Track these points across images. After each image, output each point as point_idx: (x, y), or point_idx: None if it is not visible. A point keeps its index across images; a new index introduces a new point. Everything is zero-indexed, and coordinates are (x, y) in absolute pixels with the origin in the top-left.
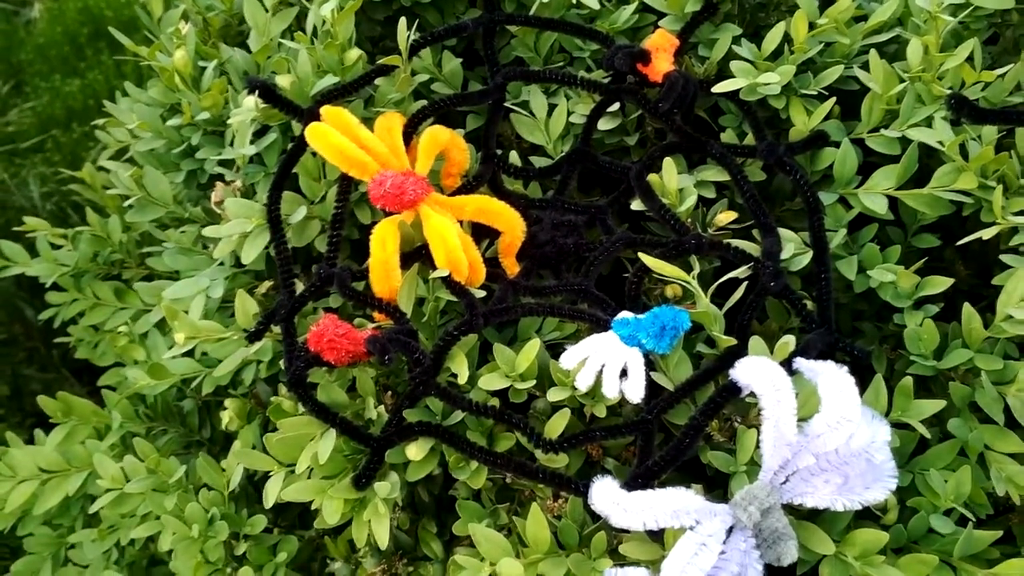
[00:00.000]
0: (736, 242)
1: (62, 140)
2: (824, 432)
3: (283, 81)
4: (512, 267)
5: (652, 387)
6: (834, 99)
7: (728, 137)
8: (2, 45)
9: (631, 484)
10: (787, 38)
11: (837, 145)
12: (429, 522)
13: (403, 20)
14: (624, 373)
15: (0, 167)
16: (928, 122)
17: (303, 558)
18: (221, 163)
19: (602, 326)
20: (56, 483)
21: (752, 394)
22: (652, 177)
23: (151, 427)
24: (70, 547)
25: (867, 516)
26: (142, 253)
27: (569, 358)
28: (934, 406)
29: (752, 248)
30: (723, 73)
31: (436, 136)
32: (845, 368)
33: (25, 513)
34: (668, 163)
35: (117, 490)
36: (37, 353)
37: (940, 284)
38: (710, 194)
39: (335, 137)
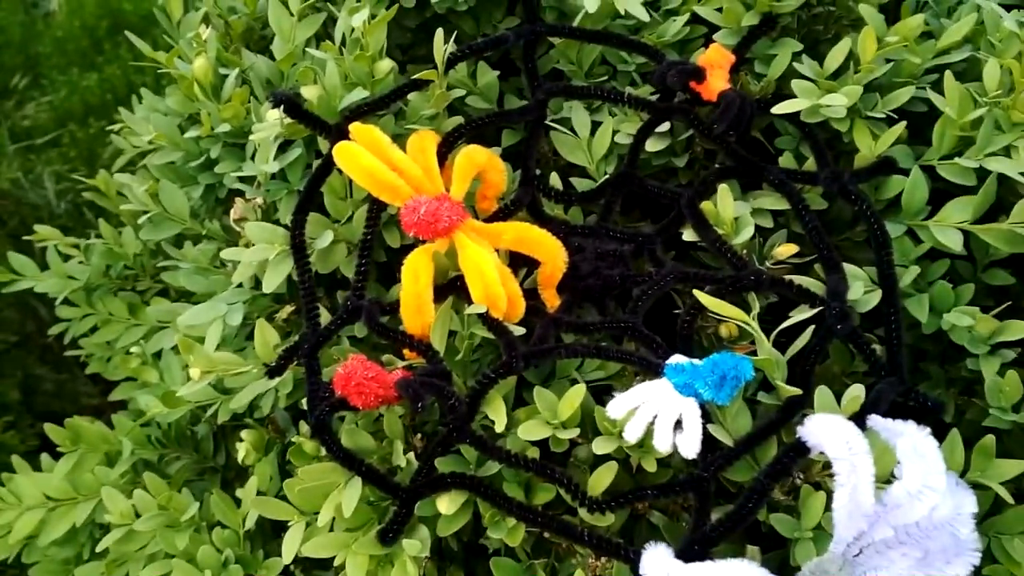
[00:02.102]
0: (799, 279)
1: (79, 135)
2: (905, 502)
3: (309, 93)
4: (552, 300)
5: (707, 439)
6: (904, 124)
7: (786, 161)
8: (20, 37)
9: (686, 552)
10: (851, 54)
11: (905, 172)
12: (457, 571)
13: (440, 32)
14: (678, 424)
15: (16, 164)
16: (1007, 151)
17: None
18: (241, 178)
19: (652, 370)
20: (63, 512)
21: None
22: (705, 205)
23: (163, 454)
24: None
25: None
26: (158, 266)
27: (618, 407)
28: (1016, 467)
29: (816, 286)
30: (780, 91)
31: (472, 157)
32: (927, 430)
33: (30, 541)
34: (724, 190)
35: (126, 526)
36: (50, 351)
37: (1021, 330)
38: (767, 223)
39: (366, 159)
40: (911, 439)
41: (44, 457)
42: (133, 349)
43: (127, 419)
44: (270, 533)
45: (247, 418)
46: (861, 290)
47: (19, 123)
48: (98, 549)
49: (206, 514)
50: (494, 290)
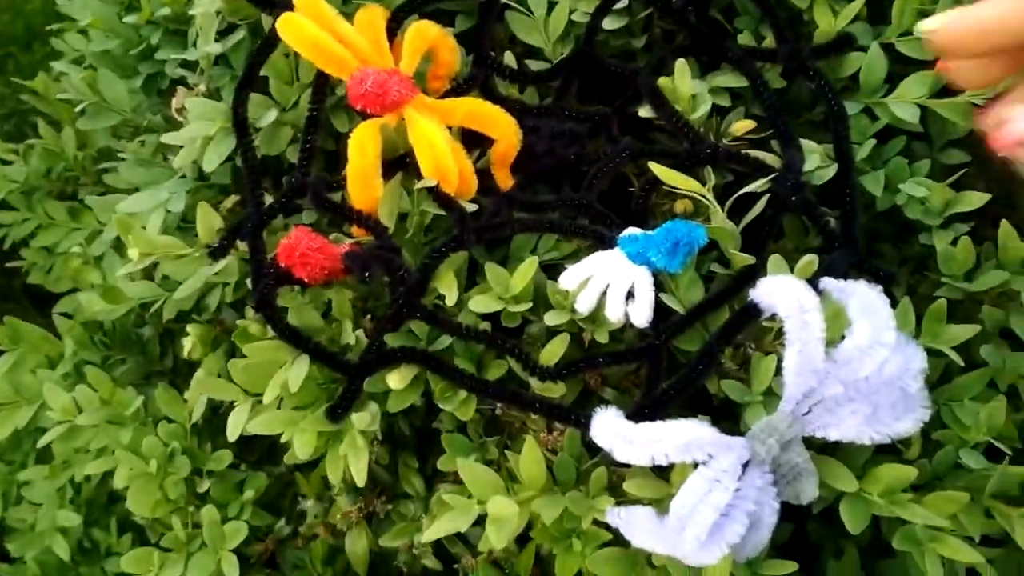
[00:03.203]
0: (756, 153)
1: (23, 61)
2: (855, 358)
3: None
4: (506, 180)
5: (659, 310)
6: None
7: (745, 40)
8: None
9: (636, 415)
10: None
11: (864, 50)
12: (409, 457)
13: None
14: (630, 294)
15: None
16: None
17: (272, 495)
18: (184, 66)
19: (606, 244)
20: (4, 416)
21: (769, 318)
22: (662, 81)
23: (108, 355)
24: (24, 483)
25: (887, 450)
26: (98, 169)
27: (570, 278)
28: (967, 331)
29: (772, 160)
30: None
31: (423, 32)
32: (879, 288)
33: None
34: (681, 65)
35: (68, 422)
36: None
37: (975, 200)
38: (724, 102)
39: (310, 29)
40: (862, 297)
41: None
42: (74, 249)
43: (70, 322)
44: (219, 429)
45: (194, 316)
46: (816, 162)
47: None
48: (39, 445)
49: (152, 411)
50: (445, 163)
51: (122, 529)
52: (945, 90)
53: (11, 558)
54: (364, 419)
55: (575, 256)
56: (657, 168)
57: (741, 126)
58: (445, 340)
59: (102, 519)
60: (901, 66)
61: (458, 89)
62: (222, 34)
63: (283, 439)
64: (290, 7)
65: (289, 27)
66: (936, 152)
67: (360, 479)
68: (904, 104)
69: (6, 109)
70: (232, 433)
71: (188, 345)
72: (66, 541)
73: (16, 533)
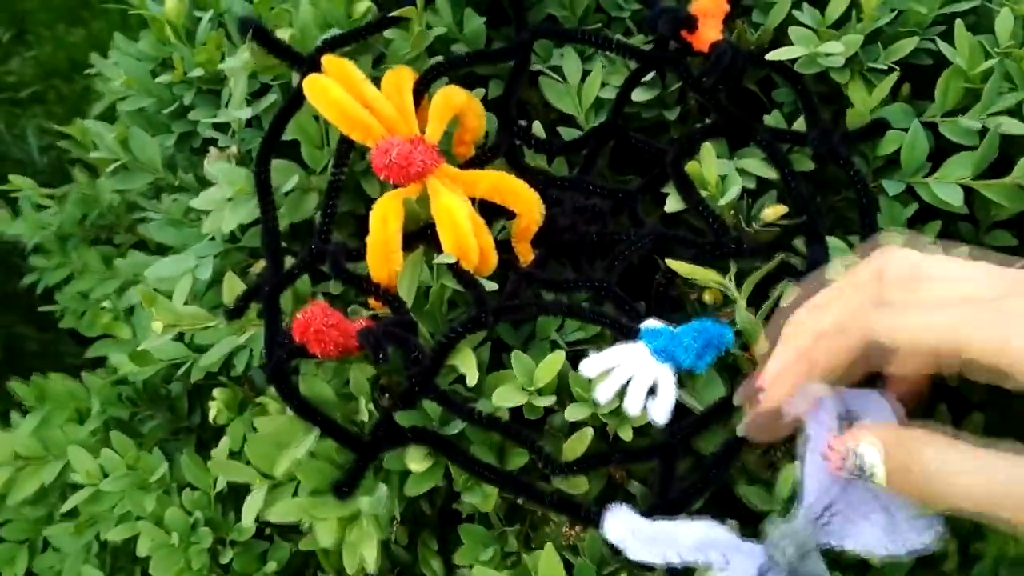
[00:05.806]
0: (778, 257)
1: (64, 91)
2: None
3: (282, 35)
4: (526, 253)
5: (679, 405)
6: (898, 73)
7: (775, 120)
8: None
9: (652, 515)
10: (854, 3)
11: (905, 130)
12: (429, 537)
13: None
14: (651, 391)
15: None
16: (1018, 107)
17: (296, 566)
18: (216, 127)
19: (625, 333)
20: (32, 471)
21: None
22: (691, 165)
23: (136, 412)
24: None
25: (925, 563)
26: (134, 218)
27: (591, 366)
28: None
29: (798, 260)
30: (779, 41)
31: (450, 98)
32: (892, 397)
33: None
34: (707, 149)
35: (93, 486)
36: (34, 311)
37: None
38: (750, 184)
39: (336, 92)
40: (877, 409)
41: (14, 414)
42: (104, 304)
43: (100, 376)
44: (243, 495)
45: (221, 376)
46: (839, 265)
47: (3, 78)
48: (64, 509)
49: (177, 475)
50: (466, 241)
51: None
52: (991, 170)
53: None
54: (372, 503)
55: (600, 338)
56: (674, 264)
57: (772, 212)
58: (459, 424)
59: (128, 567)
60: (947, 143)
61: (483, 156)
62: (255, 95)
63: (302, 527)
64: (318, 67)
65: (315, 89)
66: (983, 234)
67: (371, 566)
68: (947, 185)
69: (45, 141)
70: (247, 519)
71: (213, 411)
72: None
73: None
